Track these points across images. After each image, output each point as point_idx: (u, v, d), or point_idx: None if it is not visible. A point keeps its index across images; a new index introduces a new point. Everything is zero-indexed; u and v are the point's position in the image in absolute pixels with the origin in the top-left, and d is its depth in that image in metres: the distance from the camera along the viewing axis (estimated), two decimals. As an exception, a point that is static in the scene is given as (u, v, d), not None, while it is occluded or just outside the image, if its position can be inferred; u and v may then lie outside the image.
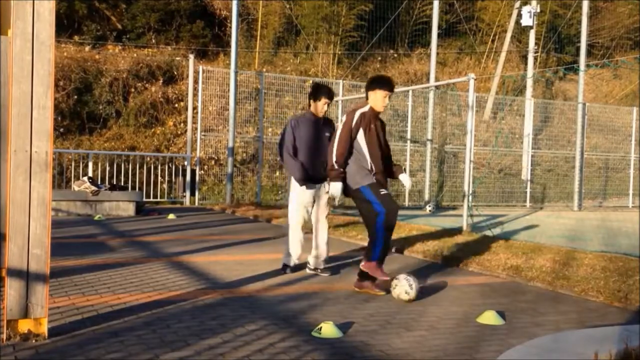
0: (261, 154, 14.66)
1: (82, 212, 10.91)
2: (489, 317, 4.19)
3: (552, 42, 23.20)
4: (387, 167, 5.35)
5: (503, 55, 20.24)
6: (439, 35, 15.87)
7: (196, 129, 14.20)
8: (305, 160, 5.80)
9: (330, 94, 5.91)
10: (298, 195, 5.88)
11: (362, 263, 5.07)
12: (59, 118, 15.23)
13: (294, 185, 5.91)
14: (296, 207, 5.90)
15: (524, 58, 20.79)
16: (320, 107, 5.88)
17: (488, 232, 8.92)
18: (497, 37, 22.54)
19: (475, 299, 4.92)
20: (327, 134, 5.83)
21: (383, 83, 5.21)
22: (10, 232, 3.42)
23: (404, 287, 4.75)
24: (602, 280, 5.46)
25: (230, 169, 13.86)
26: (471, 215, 9.22)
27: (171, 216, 10.92)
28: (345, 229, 9.21)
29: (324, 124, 5.94)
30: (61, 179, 13.55)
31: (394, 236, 8.34)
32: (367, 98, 5.23)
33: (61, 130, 15.26)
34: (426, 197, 15.23)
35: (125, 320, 3.94)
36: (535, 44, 18.97)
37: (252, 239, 8.37)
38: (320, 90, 5.90)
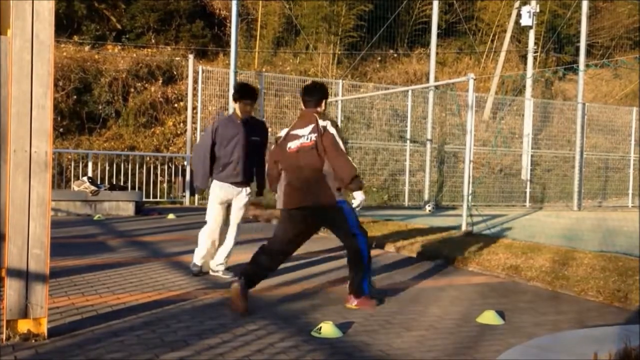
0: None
1: (81, 212, 10.90)
2: (489, 317, 4.19)
3: (551, 42, 23.19)
4: None
5: (502, 55, 20.24)
6: (438, 35, 15.87)
7: (196, 128, 14.19)
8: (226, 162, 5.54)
9: (252, 95, 5.57)
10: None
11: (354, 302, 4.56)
12: (59, 118, 15.22)
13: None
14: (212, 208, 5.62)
15: (524, 58, 20.79)
16: (242, 108, 5.55)
17: (487, 232, 8.92)
18: (496, 37, 22.53)
19: (475, 299, 4.92)
20: (256, 138, 5.62)
21: None
22: (9, 232, 3.42)
23: None
24: (602, 280, 5.46)
25: (230, 168, 13.83)
26: (471, 215, 9.22)
27: (171, 216, 10.91)
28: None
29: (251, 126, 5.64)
30: (61, 178, 13.54)
31: (395, 233, 8.36)
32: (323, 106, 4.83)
33: (61, 130, 15.25)
34: (426, 197, 15.22)
35: (124, 320, 3.94)
36: (535, 43, 18.96)
37: (252, 238, 8.36)
38: (241, 92, 5.57)
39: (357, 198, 4.51)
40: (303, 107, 4.80)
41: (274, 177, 4.87)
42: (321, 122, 4.57)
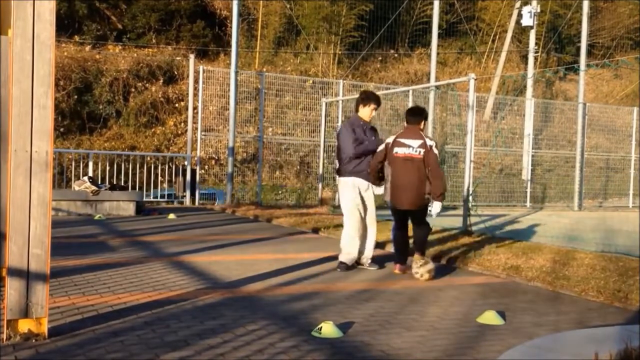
0: (261, 154, 14.66)
1: (82, 211, 10.91)
2: (489, 317, 4.19)
3: (552, 42, 23.20)
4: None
5: (503, 55, 20.24)
6: (439, 35, 15.88)
7: (196, 128, 14.20)
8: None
9: (378, 101, 6.39)
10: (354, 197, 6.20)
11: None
12: (59, 118, 15.23)
13: (346, 185, 6.21)
14: (351, 207, 6.18)
15: (525, 58, 20.78)
16: (369, 112, 6.30)
17: (487, 232, 8.92)
18: (497, 37, 22.54)
19: (475, 299, 4.92)
20: (373, 138, 6.30)
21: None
22: (10, 232, 3.42)
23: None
24: (602, 280, 5.46)
25: (230, 168, 13.86)
26: (470, 215, 9.22)
27: (171, 216, 10.91)
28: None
29: (371, 129, 6.34)
30: (61, 178, 13.55)
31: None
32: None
33: (61, 130, 15.27)
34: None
35: (125, 320, 3.94)
36: (536, 44, 18.95)
37: (252, 239, 8.37)
38: (370, 97, 6.34)
39: (437, 208, 5.88)
40: (406, 124, 5.98)
41: (375, 171, 6.05)
42: (428, 142, 5.76)
